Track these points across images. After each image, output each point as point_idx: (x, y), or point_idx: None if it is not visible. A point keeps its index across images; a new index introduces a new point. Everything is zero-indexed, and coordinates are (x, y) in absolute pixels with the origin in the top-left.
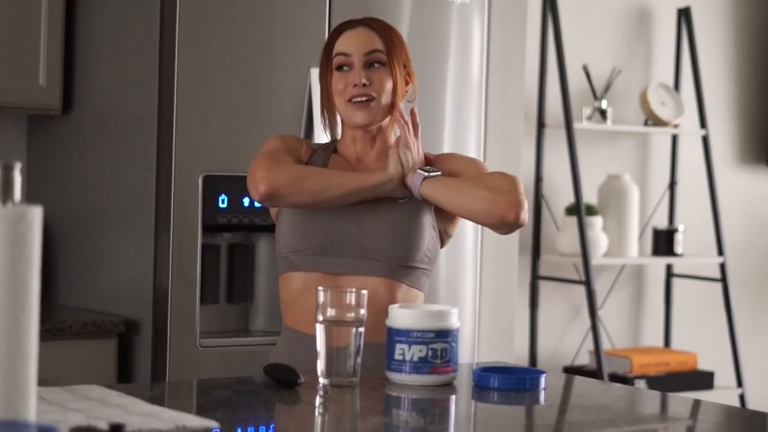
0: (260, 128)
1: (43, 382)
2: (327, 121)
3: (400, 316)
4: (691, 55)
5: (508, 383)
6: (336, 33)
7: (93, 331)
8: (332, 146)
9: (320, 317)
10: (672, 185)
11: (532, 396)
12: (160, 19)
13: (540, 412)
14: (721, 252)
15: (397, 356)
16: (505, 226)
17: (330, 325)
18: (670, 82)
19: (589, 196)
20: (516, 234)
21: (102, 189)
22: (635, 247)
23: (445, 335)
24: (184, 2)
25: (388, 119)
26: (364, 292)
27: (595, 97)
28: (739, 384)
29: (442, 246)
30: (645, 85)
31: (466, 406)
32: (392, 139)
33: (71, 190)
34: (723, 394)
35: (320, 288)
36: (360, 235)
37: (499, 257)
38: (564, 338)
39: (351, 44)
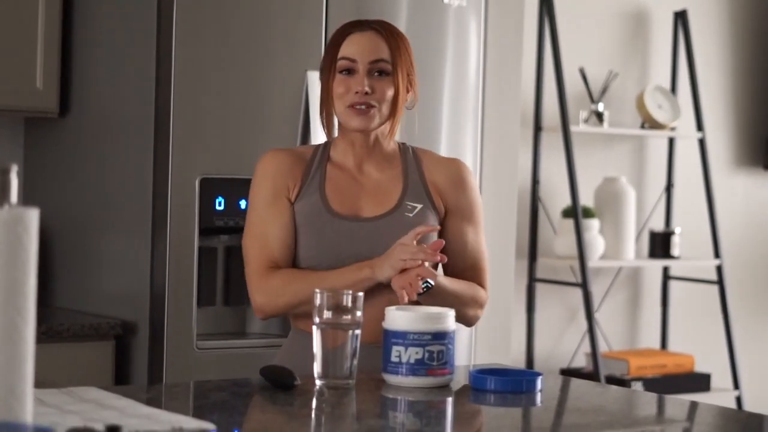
0: (257, 131)
1: (39, 384)
2: (325, 121)
3: (396, 318)
4: (687, 58)
5: (504, 385)
6: (343, 34)
7: (90, 333)
8: (326, 154)
9: (317, 319)
10: (669, 188)
11: (529, 398)
12: (157, 22)
13: (536, 415)
14: (717, 254)
15: (394, 358)
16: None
17: (327, 327)
18: (667, 85)
19: (586, 199)
20: (513, 237)
21: (99, 191)
22: (632, 250)
23: (441, 337)
24: (180, 5)
25: (386, 126)
26: (361, 294)
27: (592, 100)
28: (736, 386)
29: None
30: (642, 88)
31: (463, 409)
32: (391, 145)
33: (68, 192)
34: (720, 397)
35: (317, 290)
36: (372, 254)
37: (495, 260)
38: (561, 340)
39: (357, 50)
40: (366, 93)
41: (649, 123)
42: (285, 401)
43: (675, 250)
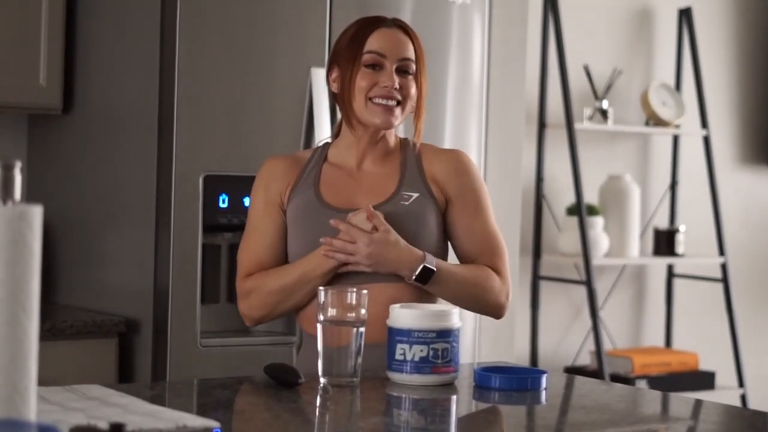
0: (261, 128)
1: (43, 381)
2: (346, 112)
3: (401, 316)
4: (692, 55)
5: (509, 383)
6: (369, 27)
7: (93, 330)
8: (323, 154)
9: (321, 317)
10: (673, 185)
11: (534, 396)
12: (160, 19)
13: (541, 413)
14: (722, 252)
15: (398, 356)
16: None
17: (331, 324)
18: (671, 82)
19: (590, 197)
20: (517, 234)
21: (102, 188)
22: (636, 248)
23: (446, 335)
24: (184, 2)
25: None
26: (365, 292)
27: (596, 98)
28: (741, 384)
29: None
30: (646, 85)
31: (467, 406)
32: (392, 140)
33: (71, 189)
34: (724, 394)
35: (321, 288)
36: None
37: None
38: (565, 338)
39: (387, 45)
40: (396, 89)
41: (654, 120)
42: (289, 399)
43: (679, 248)
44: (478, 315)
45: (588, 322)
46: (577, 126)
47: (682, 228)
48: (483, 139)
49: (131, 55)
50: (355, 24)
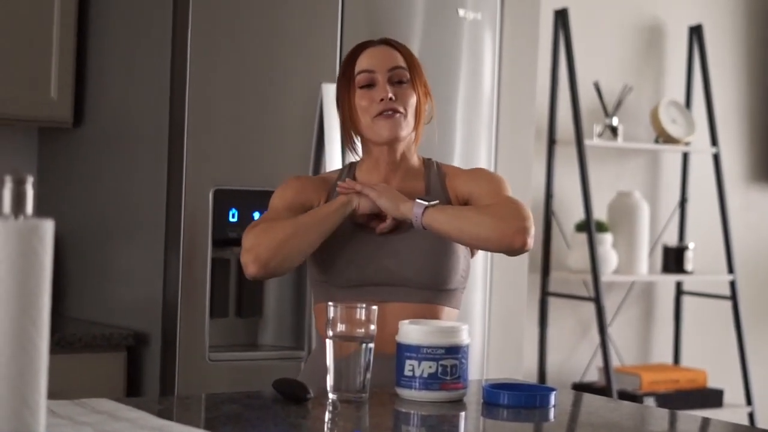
0: (272, 143)
1: (52, 395)
2: (353, 145)
3: (410, 332)
4: (702, 72)
5: (517, 400)
6: (356, 52)
7: (102, 344)
8: (351, 173)
9: (330, 332)
10: (682, 203)
11: (542, 413)
12: (171, 33)
13: (549, 430)
14: (731, 270)
15: (407, 372)
16: (512, 252)
17: (340, 340)
18: (681, 99)
19: (600, 213)
20: None
21: (113, 202)
22: (645, 265)
23: (455, 351)
24: (196, 16)
25: (411, 138)
26: (375, 307)
27: (606, 114)
28: (749, 402)
29: (473, 256)
30: (656, 102)
31: (476, 423)
32: (416, 161)
33: (82, 203)
34: (732, 412)
35: (330, 303)
36: (399, 266)
37: (508, 274)
38: (573, 355)
39: (374, 60)
40: (390, 99)
41: (664, 137)
42: (297, 414)
43: (688, 265)
44: (487, 331)
45: (596, 338)
46: (587, 142)
47: (691, 245)
48: (493, 155)
49: (142, 69)
50: (347, 54)
